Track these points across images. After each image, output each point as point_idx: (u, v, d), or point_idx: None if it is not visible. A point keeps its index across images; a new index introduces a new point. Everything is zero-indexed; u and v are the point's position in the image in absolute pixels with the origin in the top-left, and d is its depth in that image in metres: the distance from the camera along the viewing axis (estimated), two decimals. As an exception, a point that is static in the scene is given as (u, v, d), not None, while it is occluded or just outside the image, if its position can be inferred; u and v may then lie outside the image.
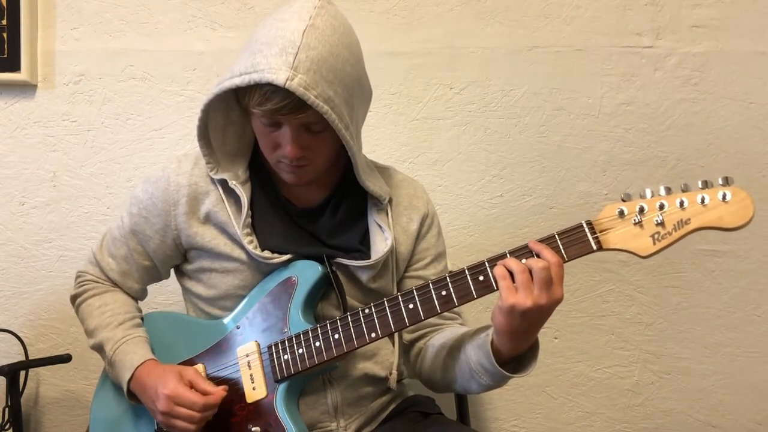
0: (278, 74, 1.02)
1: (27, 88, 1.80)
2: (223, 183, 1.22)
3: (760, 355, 1.84)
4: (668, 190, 1.01)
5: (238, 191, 1.20)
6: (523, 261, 1.03)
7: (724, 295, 1.84)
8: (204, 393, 1.15)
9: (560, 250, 1.04)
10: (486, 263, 1.07)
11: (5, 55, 1.77)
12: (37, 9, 1.80)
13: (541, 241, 1.05)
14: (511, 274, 1.03)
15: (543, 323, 1.06)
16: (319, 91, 1.05)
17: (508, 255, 1.06)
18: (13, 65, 1.77)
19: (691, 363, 1.85)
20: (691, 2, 1.81)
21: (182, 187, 1.22)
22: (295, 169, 1.15)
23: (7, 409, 1.59)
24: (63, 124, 1.82)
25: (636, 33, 1.82)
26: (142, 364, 1.21)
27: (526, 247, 1.06)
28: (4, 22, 1.77)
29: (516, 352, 1.10)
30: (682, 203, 0.99)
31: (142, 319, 1.33)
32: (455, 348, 1.21)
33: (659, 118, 1.82)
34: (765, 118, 1.81)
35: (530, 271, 1.02)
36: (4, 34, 1.77)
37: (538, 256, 1.04)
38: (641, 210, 1.01)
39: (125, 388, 1.21)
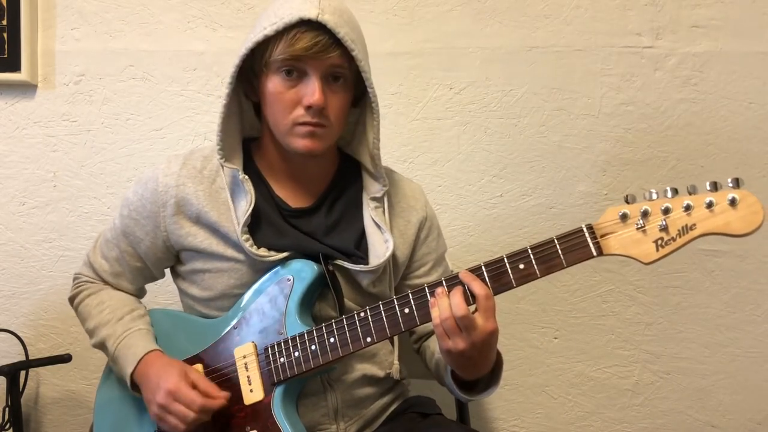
0: (309, 11, 1.09)
1: (27, 88, 1.81)
2: (231, 175, 1.22)
3: (760, 355, 1.84)
4: (674, 192, 0.96)
5: (247, 185, 1.20)
6: (454, 296, 1.03)
7: (724, 295, 1.83)
8: (205, 394, 1.14)
9: (559, 256, 1.02)
10: (482, 267, 1.06)
11: (5, 55, 1.77)
12: (37, 9, 1.80)
13: (539, 245, 1.04)
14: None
15: (490, 350, 1.08)
16: (346, 31, 1.11)
17: (444, 283, 1.07)
18: (13, 65, 1.77)
19: (691, 363, 1.85)
20: (691, 2, 1.81)
21: (170, 188, 1.21)
22: (314, 129, 1.14)
23: (7, 409, 1.59)
24: (63, 124, 1.82)
25: (636, 33, 1.82)
26: (144, 356, 1.20)
27: (456, 277, 1.06)
28: (4, 22, 1.77)
29: (478, 375, 1.12)
30: (687, 207, 0.95)
31: (144, 310, 1.32)
32: (439, 362, 1.25)
33: (659, 118, 1.82)
34: (765, 118, 1.81)
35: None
36: (4, 34, 1.77)
37: (470, 289, 1.04)
38: (645, 214, 0.97)
39: (129, 382, 1.21)
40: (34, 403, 1.82)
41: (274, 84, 1.15)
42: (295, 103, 1.14)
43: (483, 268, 1.06)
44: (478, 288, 1.03)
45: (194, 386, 1.14)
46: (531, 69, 1.82)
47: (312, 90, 1.12)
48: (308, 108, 1.13)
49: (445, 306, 1.04)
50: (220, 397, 1.15)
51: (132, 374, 1.20)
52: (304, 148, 1.16)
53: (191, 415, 1.12)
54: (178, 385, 1.13)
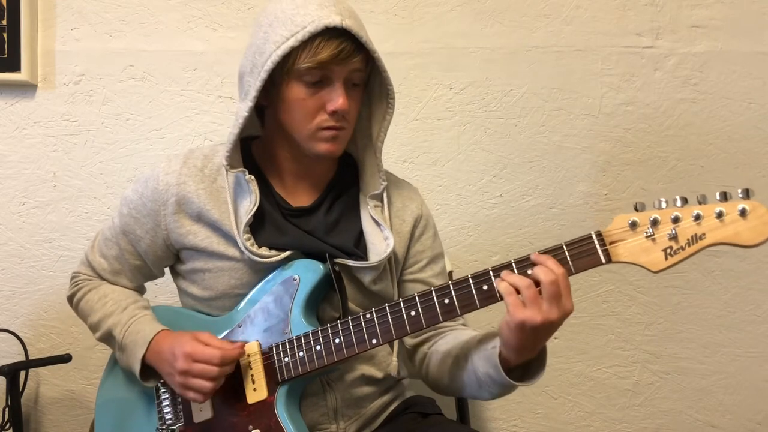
0: (332, 18, 1.09)
1: (27, 88, 1.80)
2: (235, 176, 1.21)
3: (760, 355, 1.84)
4: (684, 201, 0.95)
5: (252, 185, 1.20)
6: (529, 272, 1.00)
7: (724, 295, 1.84)
8: (221, 348, 1.13)
9: (567, 262, 1.01)
10: (490, 272, 1.05)
11: (5, 55, 1.77)
12: (37, 9, 1.80)
13: (549, 251, 1.02)
14: (517, 289, 1.00)
15: (552, 335, 1.05)
16: (365, 34, 1.12)
17: (513, 264, 1.03)
18: (13, 65, 1.77)
19: (691, 363, 1.85)
20: (691, 2, 1.81)
21: (171, 186, 1.21)
22: (338, 132, 1.16)
23: (7, 409, 1.59)
24: (63, 124, 1.82)
25: (636, 33, 1.82)
26: (155, 336, 1.20)
27: (528, 259, 1.03)
28: (4, 22, 1.77)
29: (523, 360, 1.09)
30: (697, 216, 0.94)
31: (147, 302, 1.32)
32: (461, 357, 1.19)
33: (659, 118, 1.82)
34: (765, 118, 1.82)
35: (537, 285, 0.99)
36: (4, 34, 1.77)
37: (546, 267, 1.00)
38: (654, 222, 0.96)
39: (139, 367, 1.20)
40: (34, 403, 1.82)
41: (296, 91, 1.15)
42: (318, 108, 1.15)
43: (490, 271, 1.05)
44: (555, 266, 0.99)
45: (207, 345, 1.14)
46: (531, 69, 1.82)
47: (337, 96, 1.13)
48: (333, 113, 1.14)
49: (517, 278, 1.00)
50: (236, 347, 1.14)
51: (144, 357, 1.19)
52: (327, 152, 1.17)
53: (214, 370, 1.11)
54: (193, 345, 1.13)
